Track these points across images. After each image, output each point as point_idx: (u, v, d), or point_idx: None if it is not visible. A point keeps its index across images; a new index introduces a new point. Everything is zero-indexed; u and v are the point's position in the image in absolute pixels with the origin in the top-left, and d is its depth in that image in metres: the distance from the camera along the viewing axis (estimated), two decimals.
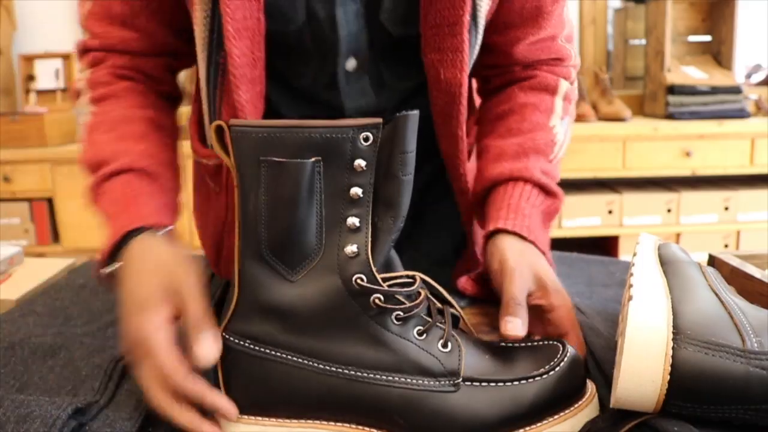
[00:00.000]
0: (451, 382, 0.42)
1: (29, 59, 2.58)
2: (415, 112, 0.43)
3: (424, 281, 0.46)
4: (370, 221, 0.43)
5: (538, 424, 0.41)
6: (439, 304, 0.46)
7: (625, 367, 0.39)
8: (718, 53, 2.55)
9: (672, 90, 2.38)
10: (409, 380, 0.42)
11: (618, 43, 2.76)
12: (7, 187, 2.29)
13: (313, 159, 0.41)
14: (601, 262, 0.84)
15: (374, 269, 0.43)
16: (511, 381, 0.42)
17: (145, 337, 0.45)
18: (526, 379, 0.42)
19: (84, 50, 0.66)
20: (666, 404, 0.39)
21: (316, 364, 0.43)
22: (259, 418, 0.45)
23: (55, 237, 2.36)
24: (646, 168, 2.30)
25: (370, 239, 0.43)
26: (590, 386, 0.45)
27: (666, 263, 0.49)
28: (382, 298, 0.43)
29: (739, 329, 0.40)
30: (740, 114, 2.32)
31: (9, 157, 2.26)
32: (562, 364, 0.43)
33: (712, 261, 0.67)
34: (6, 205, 2.30)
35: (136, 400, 0.47)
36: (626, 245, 2.33)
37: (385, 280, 0.43)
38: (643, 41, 2.63)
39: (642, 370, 0.39)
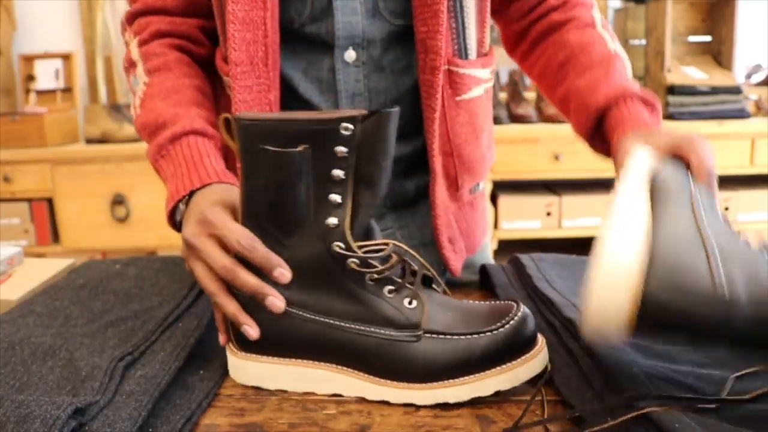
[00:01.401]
0: (414, 333, 0.50)
1: (29, 59, 2.58)
2: (396, 110, 0.50)
3: (404, 250, 0.54)
4: (350, 198, 0.51)
5: (487, 372, 0.49)
6: (415, 267, 0.53)
7: (594, 298, 0.43)
8: (718, 53, 2.55)
9: (672, 90, 2.38)
10: (380, 330, 0.50)
11: None
12: (7, 187, 2.29)
13: (301, 148, 0.49)
14: None
15: (350, 239, 0.51)
16: (465, 334, 0.50)
17: (203, 241, 0.54)
18: (478, 333, 0.49)
19: (130, 17, 0.74)
20: (633, 335, 0.45)
21: (303, 314, 0.52)
22: (256, 356, 0.53)
23: (55, 237, 2.36)
24: None
25: (349, 214, 0.51)
26: (540, 340, 0.51)
27: (655, 191, 0.48)
28: (357, 262, 0.51)
29: (710, 263, 0.42)
30: (740, 114, 2.32)
31: (9, 157, 2.26)
32: (512, 321, 0.49)
33: None
34: (6, 205, 2.30)
35: (135, 400, 0.47)
36: None
37: (362, 247, 0.51)
38: (643, 41, 2.63)
39: (609, 305, 0.43)
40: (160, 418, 0.47)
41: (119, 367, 0.51)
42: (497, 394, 0.49)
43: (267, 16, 0.64)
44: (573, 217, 2.31)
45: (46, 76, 2.58)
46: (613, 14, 2.76)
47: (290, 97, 0.69)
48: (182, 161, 0.64)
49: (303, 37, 0.67)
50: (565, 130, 2.26)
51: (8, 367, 0.53)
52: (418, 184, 0.76)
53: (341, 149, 0.49)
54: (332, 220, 0.50)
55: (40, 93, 2.58)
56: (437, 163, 0.70)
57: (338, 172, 0.50)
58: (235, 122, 0.50)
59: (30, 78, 2.58)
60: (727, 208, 2.33)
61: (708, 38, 2.61)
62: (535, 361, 0.50)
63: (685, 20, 2.61)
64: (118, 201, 2.30)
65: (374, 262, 0.51)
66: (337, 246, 0.50)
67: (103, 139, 2.38)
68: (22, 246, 0.85)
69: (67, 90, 2.59)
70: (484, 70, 0.73)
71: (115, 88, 2.68)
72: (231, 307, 0.53)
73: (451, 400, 0.49)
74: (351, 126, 0.48)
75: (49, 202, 2.32)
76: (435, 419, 0.47)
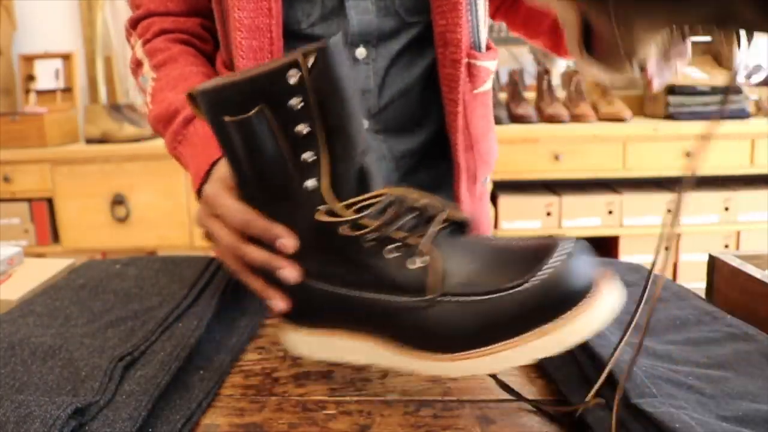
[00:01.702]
0: (422, 298, 0.43)
1: (29, 59, 2.58)
2: (336, 38, 0.44)
3: (410, 197, 0.46)
4: (326, 154, 0.45)
5: (524, 335, 0.39)
6: (432, 212, 0.45)
7: None
8: (718, 53, 2.55)
9: (672, 90, 2.38)
10: (386, 297, 0.44)
11: None
12: (7, 187, 2.29)
13: (255, 109, 0.43)
14: (600, 263, 0.84)
15: (332, 201, 0.45)
16: (489, 293, 0.41)
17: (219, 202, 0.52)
18: (505, 290, 0.40)
19: (133, 22, 0.75)
20: None
21: (319, 285, 0.47)
22: (308, 328, 0.50)
23: (55, 237, 2.36)
24: (647, 168, 2.30)
25: (328, 172, 0.45)
26: (601, 286, 0.40)
27: None
28: (347, 225, 0.44)
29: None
30: (740, 114, 2.32)
31: (9, 157, 2.26)
32: (549, 270, 0.39)
33: (713, 261, 0.67)
34: (6, 205, 2.30)
35: (135, 400, 0.47)
36: (626, 246, 2.33)
37: (352, 205, 0.45)
38: None
39: None
40: (160, 418, 0.47)
41: (119, 367, 0.51)
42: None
43: (272, 24, 0.64)
44: (573, 217, 2.31)
45: (46, 76, 2.58)
46: None
47: None
48: (198, 142, 0.63)
49: (310, 37, 0.67)
50: (565, 130, 2.27)
51: (8, 367, 0.53)
52: (432, 175, 0.77)
53: (295, 101, 0.43)
54: (310, 183, 0.45)
55: (40, 93, 2.58)
56: (461, 158, 0.71)
57: (301, 127, 0.44)
58: (193, 96, 0.46)
59: (30, 78, 2.58)
60: (727, 209, 2.33)
61: (708, 38, 2.61)
62: (590, 316, 0.39)
63: None
64: (118, 201, 2.30)
65: (367, 222, 0.44)
66: (322, 212, 0.45)
67: (103, 139, 2.38)
68: (22, 246, 0.85)
69: (67, 90, 2.59)
70: (494, 62, 0.75)
71: (115, 88, 2.68)
72: (255, 284, 0.51)
73: (483, 371, 0.42)
74: (297, 71, 0.43)
75: (49, 202, 2.32)
76: (435, 419, 0.47)
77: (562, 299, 0.39)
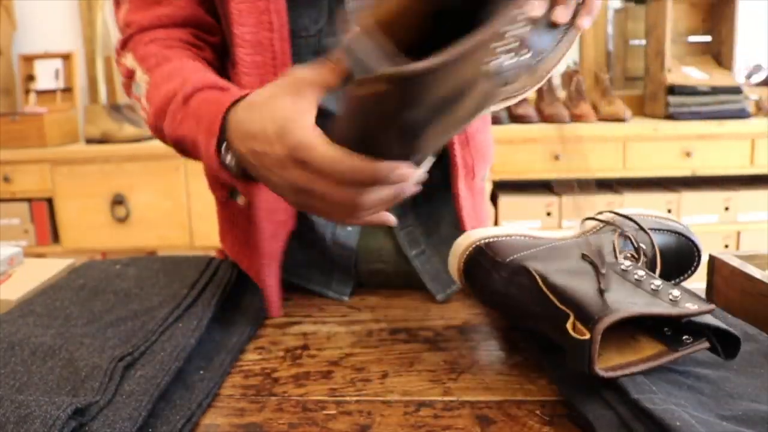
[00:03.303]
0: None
1: (29, 59, 2.58)
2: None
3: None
4: None
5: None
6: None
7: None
8: (718, 53, 2.55)
9: (672, 90, 2.38)
10: None
11: (618, 44, 2.76)
12: (7, 187, 2.29)
13: None
14: None
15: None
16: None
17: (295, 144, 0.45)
18: None
19: (123, 43, 0.69)
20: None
21: None
22: None
23: (55, 237, 2.36)
24: (647, 168, 2.30)
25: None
26: None
27: None
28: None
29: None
30: (740, 114, 2.32)
31: (9, 157, 2.26)
32: None
33: (713, 261, 0.67)
34: (6, 205, 2.30)
35: (135, 400, 0.47)
36: None
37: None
38: (643, 41, 2.63)
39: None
40: (160, 418, 0.47)
41: (119, 367, 0.51)
42: (497, 393, 0.49)
43: (274, 38, 0.62)
44: (573, 217, 2.31)
45: (46, 76, 2.58)
46: (613, 14, 2.76)
47: None
48: (202, 110, 0.54)
49: (319, 50, 0.66)
50: (565, 130, 2.27)
51: (8, 367, 0.53)
52: (429, 174, 0.76)
53: None
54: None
55: (40, 93, 2.58)
56: (458, 154, 0.71)
57: None
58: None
59: (30, 78, 2.58)
60: (727, 209, 2.33)
61: (708, 38, 2.61)
62: None
63: (685, 20, 2.61)
64: (118, 201, 2.30)
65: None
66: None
67: (103, 139, 2.38)
68: (22, 246, 0.85)
69: (67, 90, 2.59)
70: None
71: (115, 88, 2.68)
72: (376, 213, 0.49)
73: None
74: None
75: (49, 202, 2.32)
76: (435, 419, 0.47)
77: None
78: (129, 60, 0.68)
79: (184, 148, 0.59)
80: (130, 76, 0.68)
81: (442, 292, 0.73)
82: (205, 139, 0.53)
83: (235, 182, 0.55)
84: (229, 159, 0.52)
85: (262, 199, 0.66)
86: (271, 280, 0.68)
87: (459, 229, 0.72)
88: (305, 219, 0.72)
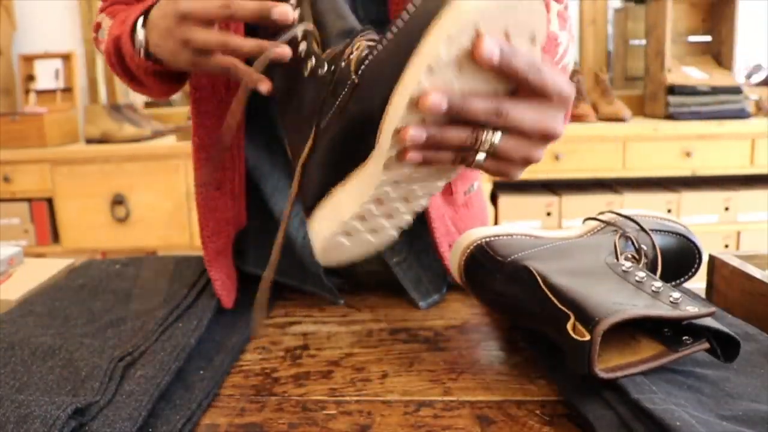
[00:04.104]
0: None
1: (29, 59, 2.58)
2: None
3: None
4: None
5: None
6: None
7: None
8: (718, 53, 2.55)
9: (672, 90, 2.38)
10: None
11: (618, 44, 2.76)
12: (7, 187, 2.29)
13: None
14: None
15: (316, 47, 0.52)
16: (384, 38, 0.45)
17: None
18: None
19: (97, 23, 0.72)
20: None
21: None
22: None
23: (55, 237, 2.36)
24: (647, 168, 2.30)
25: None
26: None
27: None
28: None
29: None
30: (740, 114, 2.33)
31: (9, 157, 2.26)
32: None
33: (713, 261, 0.67)
34: (6, 205, 2.30)
35: (135, 400, 0.47)
36: None
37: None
38: (643, 41, 2.63)
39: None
40: (160, 418, 0.47)
41: (119, 367, 0.51)
42: (497, 393, 0.49)
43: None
44: (573, 217, 2.31)
45: (46, 76, 2.58)
46: (613, 14, 2.76)
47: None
48: (132, 12, 0.61)
49: None
50: (566, 130, 2.27)
51: (8, 367, 0.53)
52: None
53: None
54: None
55: (40, 93, 2.58)
56: None
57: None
58: None
59: (30, 78, 2.58)
60: (727, 209, 2.33)
61: (708, 38, 2.61)
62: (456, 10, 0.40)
63: (685, 20, 2.61)
64: (118, 201, 2.30)
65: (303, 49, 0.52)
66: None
67: (103, 139, 2.38)
68: (22, 246, 0.85)
69: (67, 90, 2.59)
70: None
71: (115, 88, 2.68)
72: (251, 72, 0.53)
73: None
74: None
75: (49, 202, 2.32)
76: (435, 419, 0.47)
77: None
78: (99, 17, 0.72)
79: (119, 50, 0.63)
80: (97, 28, 0.71)
81: (423, 300, 0.70)
82: (128, 27, 0.60)
83: (141, 64, 0.60)
84: (140, 38, 0.59)
85: (201, 196, 0.68)
86: (218, 273, 0.68)
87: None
88: (271, 220, 0.71)
